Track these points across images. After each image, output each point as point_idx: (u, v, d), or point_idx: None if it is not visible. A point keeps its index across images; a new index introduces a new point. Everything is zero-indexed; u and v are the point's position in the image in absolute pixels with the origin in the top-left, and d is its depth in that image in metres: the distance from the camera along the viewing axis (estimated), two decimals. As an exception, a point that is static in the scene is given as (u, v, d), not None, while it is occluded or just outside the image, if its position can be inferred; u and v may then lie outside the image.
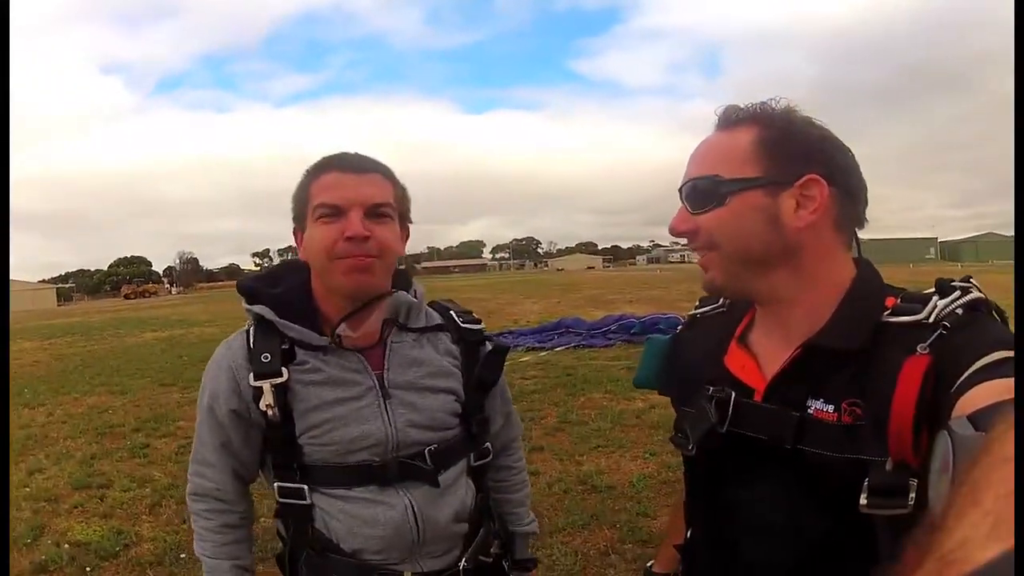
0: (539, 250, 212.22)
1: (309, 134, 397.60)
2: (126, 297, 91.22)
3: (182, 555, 4.08)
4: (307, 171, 1.46)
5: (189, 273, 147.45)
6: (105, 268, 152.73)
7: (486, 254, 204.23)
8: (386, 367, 1.46)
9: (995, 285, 0.92)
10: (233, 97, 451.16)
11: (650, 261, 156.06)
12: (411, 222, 1.53)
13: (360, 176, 1.41)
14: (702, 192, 1.08)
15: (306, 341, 1.43)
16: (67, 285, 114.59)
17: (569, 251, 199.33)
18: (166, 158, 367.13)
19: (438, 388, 1.49)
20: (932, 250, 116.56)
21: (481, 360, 1.57)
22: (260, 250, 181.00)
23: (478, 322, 1.60)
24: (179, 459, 6.06)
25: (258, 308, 1.45)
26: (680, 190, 1.12)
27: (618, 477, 5.12)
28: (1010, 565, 0.32)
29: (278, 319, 1.43)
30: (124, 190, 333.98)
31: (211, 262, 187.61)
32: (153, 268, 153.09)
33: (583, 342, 11.87)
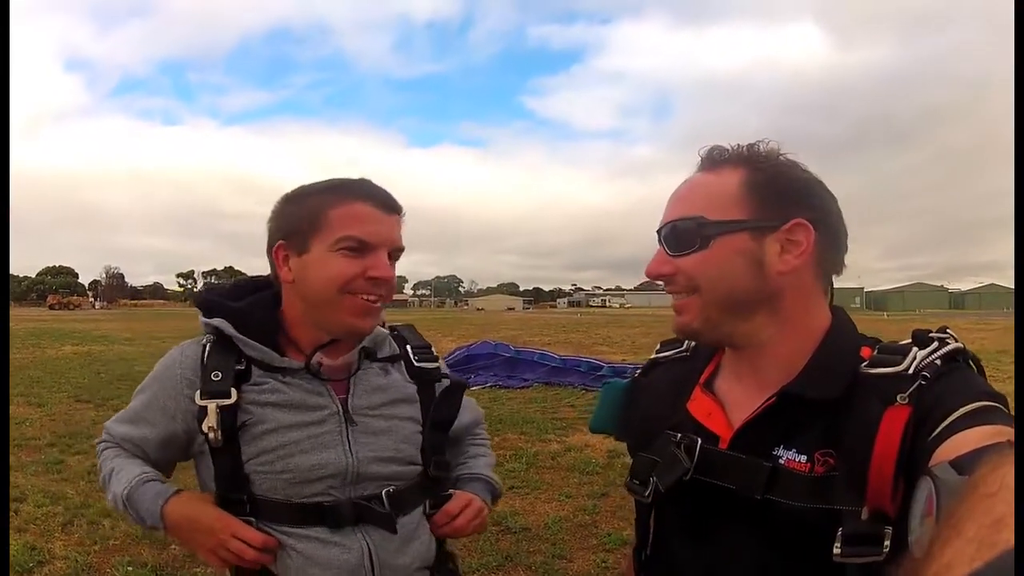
0: (460, 288, 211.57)
1: (250, 155, 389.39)
2: (51, 307, 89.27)
3: (92, 576, 4.09)
4: (323, 190, 1.36)
5: (114, 289, 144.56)
6: (33, 275, 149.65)
7: (407, 290, 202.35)
8: (351, 392, 1.39)
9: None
10: (185, 109, 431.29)
11: (571, 304, 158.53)
12: None
13: (391, 216, 1.36)
14: (684, 234, 1.06)
15: (266, 361, 1.35)
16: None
17: (490, 291, 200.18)
18: (105, 166, 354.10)
19: (404, 416, 1.43)
20: (858, 300, 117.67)
21: (436, 398, 1.50)
22: (185, 271, 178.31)
23: (436, 359, 1.53)
24: (92, 478, 5.98)
25: (216, 321, 1.36)
26: (659, 232, 1.09)
27: (533, 519, 5.12)
28: (1010, 565, 0.35)
29: (237, 335, 1.34)
30: (60, 195, 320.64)
31: (137, 279, 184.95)
32: (79, 280, 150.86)
33: (499, 382, 11.85)
